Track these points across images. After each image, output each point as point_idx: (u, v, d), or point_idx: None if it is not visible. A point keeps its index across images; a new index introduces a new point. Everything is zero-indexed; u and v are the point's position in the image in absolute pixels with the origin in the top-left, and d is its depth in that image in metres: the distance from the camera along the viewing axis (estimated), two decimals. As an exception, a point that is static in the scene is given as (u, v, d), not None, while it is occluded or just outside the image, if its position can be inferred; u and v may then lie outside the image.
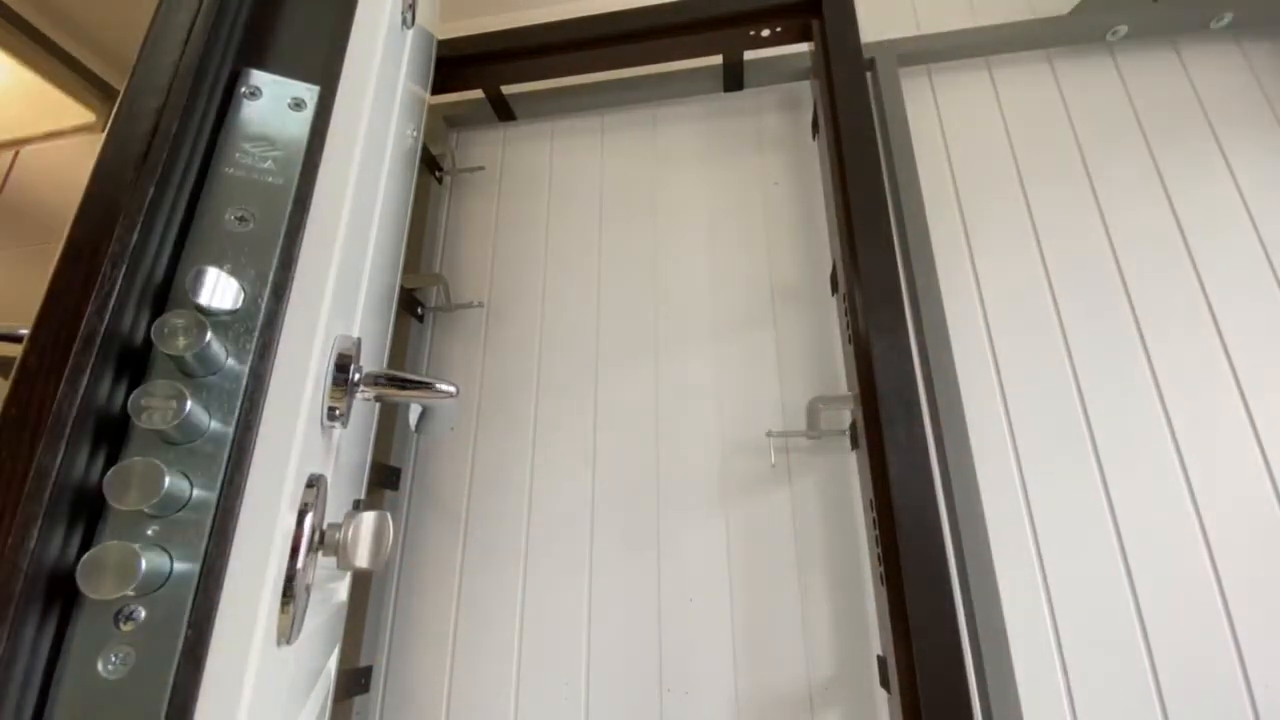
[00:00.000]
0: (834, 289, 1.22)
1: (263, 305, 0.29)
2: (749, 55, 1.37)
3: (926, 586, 0.80)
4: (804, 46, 1.34)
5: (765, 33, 1.27)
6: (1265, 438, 1.01)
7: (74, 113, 2.01)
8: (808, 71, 1.39)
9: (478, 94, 1.44)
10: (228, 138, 0.31)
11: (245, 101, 0.31)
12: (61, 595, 0.23)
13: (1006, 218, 1.23)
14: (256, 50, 0.31)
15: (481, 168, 1.50)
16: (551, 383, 1.28)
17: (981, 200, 1.26)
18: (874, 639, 1.02)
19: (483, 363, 1.33)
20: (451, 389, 0.55)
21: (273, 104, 0.32)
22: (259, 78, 0.32)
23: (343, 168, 0.33)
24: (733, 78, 1.41)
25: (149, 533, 0.25)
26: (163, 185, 0.27)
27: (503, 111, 1.49)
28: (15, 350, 0.29)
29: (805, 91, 1.43)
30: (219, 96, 0.30)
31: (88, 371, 0.23)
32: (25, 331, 0.28)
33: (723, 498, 1.15)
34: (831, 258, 1.22)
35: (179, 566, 0.25)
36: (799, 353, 1.22)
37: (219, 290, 0.27)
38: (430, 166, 1.44)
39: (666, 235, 1.35)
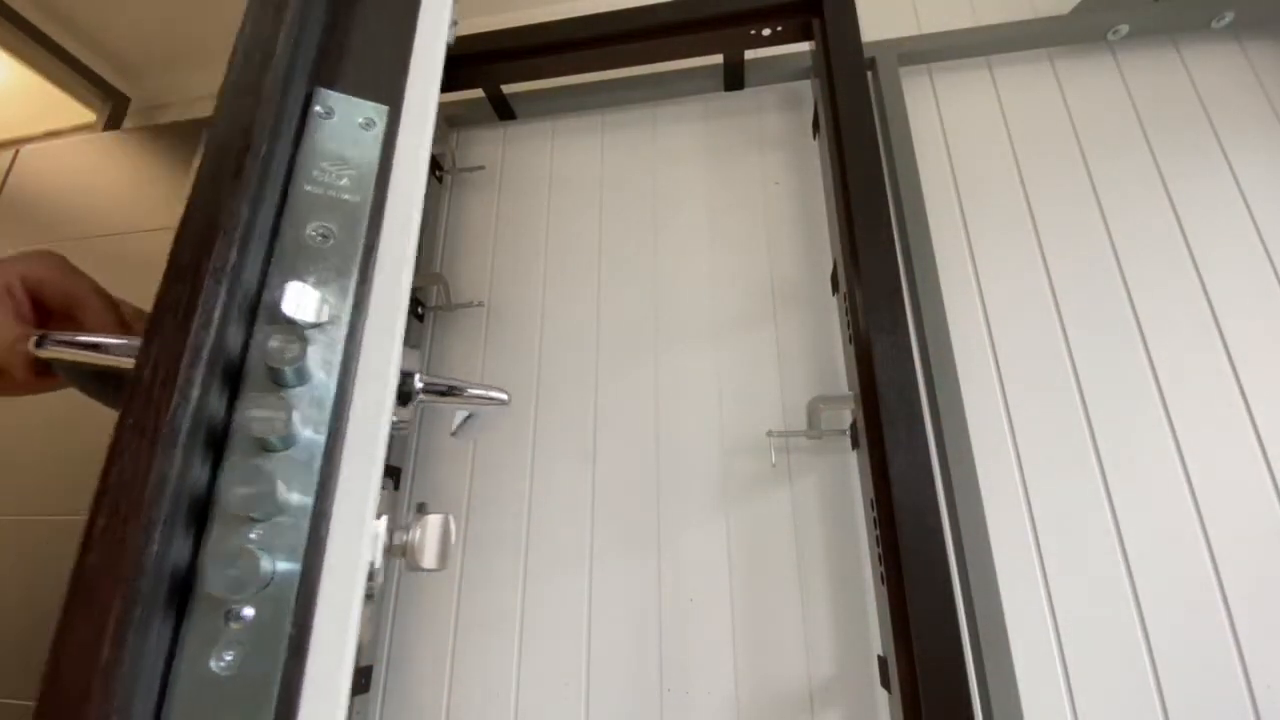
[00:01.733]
0: (834, 288, 1.22)
1: (345, 318, 0.30)
2: (749, 54, 1.37)
3: (927, 586, 0.80)
4: (804, 46, 1.34)
5: (765, 32, 1.27)
6: (1266, 436, 1.01)
7: (74, 112, 2.01)
8: (808, 71, 1.39)
9: (478, 93, 1.44)
10: (306, 156, 0.32)
11: (320, 121, 0.33)
12: (178, 594, 0.24)
13: (1007, 217, 1.23)
14: (328, 71, 0.33)
15: (482, 167, 1.50)
16: (551, 381, 1.28)
17: (982, 200, 1.26)
18: (874, 639, 1.02)
19: (482, 362, 1.32)
20: (504, 396, 0.55)
21: (345, 123, 0.34)
22: (332, 98, 0.33)
23: (409, 184, 0.34)
24: (733, 77, 1.41)
25: (252, 536, 0.27)
26: (255, 203, 0.28)
27: (503, 111, 1.49)
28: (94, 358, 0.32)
29: (806, 91, 1.42)
30: (297, 116, 0.31)
31: (197, 383, 0.25)
32: (118, 341, 0.30)
33: (723, 497, 1.15)
34: (832, 257, 1.22)
35: (281, 567, 0.26)
36: (799, 352, 1.21)
37: (307, 304, 0.28)
38: (431, 166, 1.44)
39: (667, 234, 1.35)
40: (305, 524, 0.27)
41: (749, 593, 1.08)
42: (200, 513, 0.25)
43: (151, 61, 2.07)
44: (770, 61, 1.40)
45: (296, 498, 0.27)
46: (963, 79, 1.36)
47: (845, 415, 1.13)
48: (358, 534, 0.28)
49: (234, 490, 0.25)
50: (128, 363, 0.30)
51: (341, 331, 0.30)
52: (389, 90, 0.35)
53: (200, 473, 0.25)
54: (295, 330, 0.27)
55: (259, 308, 0.28)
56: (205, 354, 0.25)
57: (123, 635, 0.20)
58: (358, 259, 0.31)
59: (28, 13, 1.74)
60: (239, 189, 0.27)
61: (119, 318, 0.42)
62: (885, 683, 0.94)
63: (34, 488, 1.29)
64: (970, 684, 0.77)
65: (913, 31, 1.42)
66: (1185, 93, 1.26)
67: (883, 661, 0.96)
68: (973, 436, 1.07)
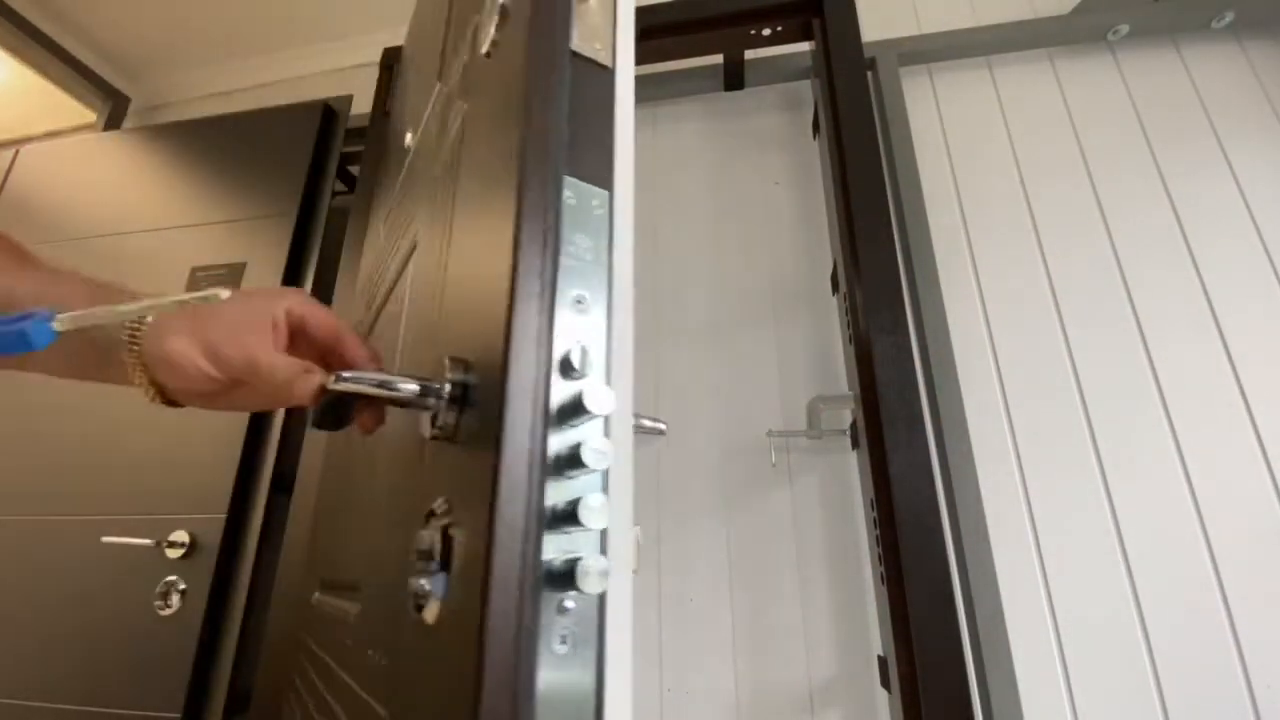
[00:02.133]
0: (834, 289, 1.22)
1: (601, 375, 0.39)
2: (749, 54, 1.37)
3: (927, 586, 0.80)
4: (805, 46, 1.34)
5: (766, 32, 1.26)
6: (1266, 436, 1.01)
7: (74, 112, 2.01)
8: (808, 71, 1.39)
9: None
10: (562, 233, 0.39)
11: (568, 203, 0.40)
12: (546, 584, 0.33)
13: (1007, 217, 1.23)
14: (569, 161, 0.40)
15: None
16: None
17: (982, 199, 1.25)
18: (874, 639, 1.02)
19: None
20: (663, 426, 0.61)
21: (583, 205, 0.41)
22: (572, 184, 0.41)
23: (625, 253, 0.43)
24: (733, 77, 1.41)
25: (578, 540, 0.35)
26: (553, 275, 0.35)
27: (503, 111, 1.49)
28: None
29: (806, 91, 1.42)
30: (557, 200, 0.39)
31: (545, 428, 0.32)
32: (408, 385, 0.37)
33: (723, 497, 1.15)
34: (832, 257, 1.22)
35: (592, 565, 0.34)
36: (799, 353, 1.21)
37: (584, 360, 0.36)
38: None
39: (666, 234, 1.35)
40: (602, 532, 0.35)
41: (749, 593, 1.08)
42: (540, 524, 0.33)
43: (151, 61, 2.07)
44: (770, 61, 1.40)
45: (606, 515, 0.34)
46: (963, 79, 1.36)
47: (845, 415, 1.13)
48: (629, 537, 0.37)
49: (590, 510, 0.33)
50: (410, 390, 0.37)
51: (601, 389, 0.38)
52: (606, 176, 0.43)
53: (555, 495, 0.34)
54: (601, 385, 0.36)
55: (550, 360, 0.36)
56: (545, 400, 0.33)
57: (526, 608, 0.28)
58: (604, 319, 0.39)
59: (28, 13, 1.74)
60: (546, 263, 0.34)
61: (372, 352, 0.46)
62: (885, 683, 0.94)
63: (35, 491, 1.29)
64: (970, 684, 0.77)
65: (913, 31, 1.42)
66: (1185, 93, 1.26)
67: (883, 661, 0.96)
68: (973, 436, 1.07)
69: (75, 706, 1.12)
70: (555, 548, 0.33)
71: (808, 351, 1.21)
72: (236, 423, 1.19)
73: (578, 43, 0.44)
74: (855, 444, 1.10)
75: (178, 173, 1.53)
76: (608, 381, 0.38)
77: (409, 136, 0.88)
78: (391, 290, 0.75)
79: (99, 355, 0.42)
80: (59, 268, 0.45)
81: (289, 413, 1.22)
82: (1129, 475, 1.03)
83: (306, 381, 0.39)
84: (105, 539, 1.18)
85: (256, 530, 1.15)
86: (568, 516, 0.33)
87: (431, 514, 0.38)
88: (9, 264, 0.44)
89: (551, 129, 0.37)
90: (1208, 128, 1.22)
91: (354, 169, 1.56)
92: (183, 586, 1.13)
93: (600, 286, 0.40)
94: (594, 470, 0.34)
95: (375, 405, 0.44)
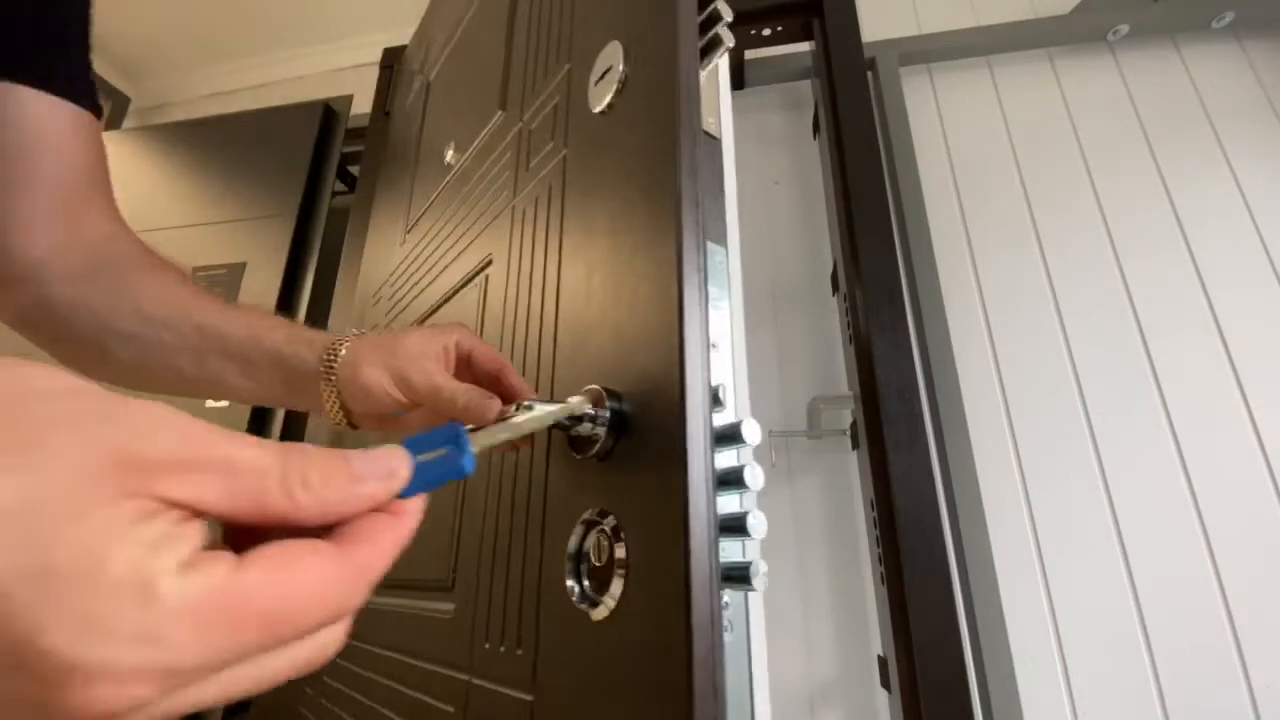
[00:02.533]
0: (834, 289, 1.22)
1: (733, 406, 0.48)
2: (749, 54, 1.37)
3: (927, 586, 0.80)
4: (805, 45, 1.34)
5: (766, 31, 1.26)
6: (1265, 435, 1.01)
7: (74, 112, 2.01)
8: (808, 71, 1.39)
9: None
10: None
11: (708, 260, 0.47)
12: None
13: (1007, 217, 1.23)
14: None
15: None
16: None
17: (982, 199, 1.26)
18: (874, 639, 1.02)
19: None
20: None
21: (712, 262, 0.50)
22: (709, 247, 0.49)
23: (738, 301, 0.52)
24: (733, 77, 1.41)
25: (737, 546, 0.43)
26: (707, 325, 0.42)
27: (503, 111, 1.49)
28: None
29: (806, 91, 1.42)
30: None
31: (713, 452, 0.38)
32: (590, 410, 0.42)
33: (723, 497, 1.14)
34: (832, 257, 1.22)
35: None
36: (799, 353, 1.22)
37: (725, 394, 0.43)
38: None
39: (667, 235, 1.35)
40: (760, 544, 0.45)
41: (749, 593, 1.08)
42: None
43: (151, 61, 2.07)
44: (770, 61, 1.40)
45: (765, 526, 0.41)
46: (963, 79, 1.37)
47: (845, 415, 1.13)
48: (758, 546, 0.46)
49: (757, 522, 0.39)
50: (584, 416, 0.43)
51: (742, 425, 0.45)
52: (726, 235, 0.53)
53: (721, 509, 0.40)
54: (719, 406, 0.42)
55: (710, 397, 0.42)
56: (710, 434, 0.38)
57: (715, 604, 0.34)
58: (730, 358, 0.49)
59: (28, 13, 1.74)
60: (704, 315, 0.41)
61: (527, 385, 0.49)
62: (885, 683, 0.94)
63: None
64: (970, 684, 0.77)
65: (913, 31, 1.42)
66: (1185, 93, 1.26)
67: (883, 661, 0.96)
68: (972, 436, 1.07)
69: (75, 706, 1.12)
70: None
71: (808, 351, 1.21)
72: (238, 418, 1.20)
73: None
74: (855, 444, 1.10)
75: (178, 173, 1.53)
76: (736, 411, 0.48)
77: (449, 153, 0.92)
78: (449, 298, 0.79)
79: (290, 385, 0.48)
80: (203, 290, 0.50)
81: (290, 410, 1.22)
82: (1129, 473, 1.03)
83: (486, 407, 0.42)
84: (105, 539, 1.18)
85: (257, 530, 1.15)
86: (734, 527, 0.40)
87: (593, 523, 0.43)
88: (204, 302, 0.49)
89: (699, 200, 0.43)
90: (1207, 127, 1.22)
91: (354, 169, 1.56)
92: (183, 586, 1.13)
93: (727, 329, 0.50)
94: (751, 489, 0.41)
95: None
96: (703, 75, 0.52)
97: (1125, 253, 1.17)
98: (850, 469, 1.12)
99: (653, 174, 0.45)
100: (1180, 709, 0.91)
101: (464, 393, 0.43)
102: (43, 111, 0.46)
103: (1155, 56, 1.31)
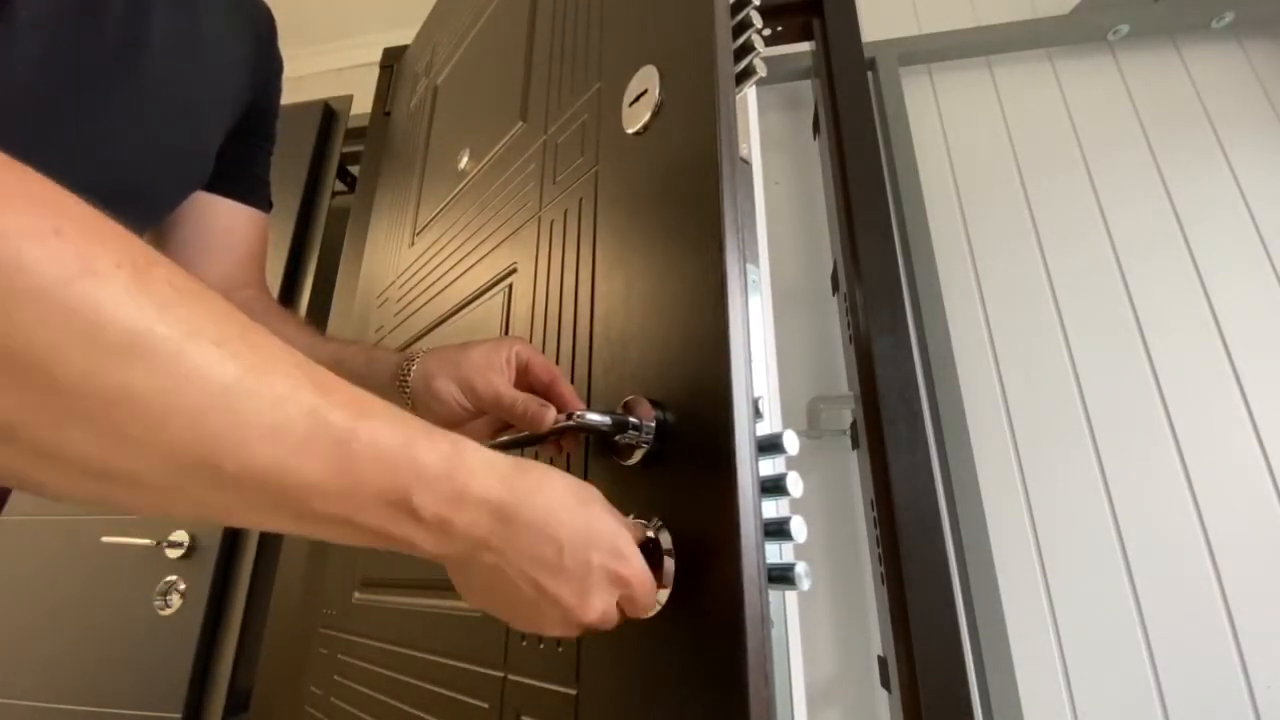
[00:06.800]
0: (834, 289, 1.22)
1: (768, 417, 0.50)
2: (749, 54, 1.36)
3: (927, 586, 0.80)
4: (805, 46, 1.33)
5: (766, 32, 1.26)
6: (1266, 435, 1.01)
7: (74, 112, 2.01)
8: (808, 71, 1.39)
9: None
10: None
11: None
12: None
13: (1007, 217, 1.23)
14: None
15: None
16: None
17: (982, 199, 1.26)
18: (874, 639, 1.02)
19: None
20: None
21: (750, 281, 0.51)
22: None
23: (770, 316, 0.57)
24: (733, 77, 1.41)
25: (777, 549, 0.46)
26: (749, 340, 0.45)
27: (503, 111, 1.49)
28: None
29: (806, 91, 1.42)
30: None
31: (757, 462, 0.42)
32: (638, 421, 0.46)
33: (723, 497, 1.14)
34: (832, 257, 1.22)
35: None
36: (799, 353, 1.22)
37: (764, 406, 0.47)
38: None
39: (667, 235, 1.35)
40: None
41: (749, 593, 1.08)
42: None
43: (151, 61, 2.07)
44: (770, 61, 1.40)
45: (806, 531, 0.46)
46: (963, 79, 1.37)
47: (845, 415, 1.13)
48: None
49: (799, 528, 0.44)
50: (630, 425, 0.45)
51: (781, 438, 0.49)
52: (757, 253, 0.57)
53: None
54: (759, 418, 0.47)
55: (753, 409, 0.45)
56: (754, 445, 0.43)
57: (765, 601, 0.38)
58: (765, 372, 0.51)
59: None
60: (747, 333, 0.44)
61: (576, 393, 0.52)
62: (885, 683, 0.94)
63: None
64: (970, 684, 0.77)
65: (913, 31, 1.42)
66: (1185, 93, 1.26)
67: (883, 661, 0.96)
68: (973, 435, 1.07)
69: (75, 706, 1.12)
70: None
71: (808, 351, 1.21)
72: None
73: None
74: (855, 444, 1.10)
75: (178, 172, 1.53)
76: (771, 422, 0.50)
77: (464, 160, 0.93)
78: (469, 303, 0.81)
79: None
80: (313, 329, 0.62)
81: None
82: (1129, 473, 1.03)
83: (543, 414, 0.46)
84: (105, 539, 1.18)
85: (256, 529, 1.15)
86: (778, 531, 0.44)
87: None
88: (310, 339, 0.58)
89: (740, 224, 0.45)
90: (1207, 127, 1.22)
91: (354, 169, 1.56)
92: (183, 586, 1.13)
93: (761, 344, 0.51)
94: (793, 496, 0.44)
95: (573, 432, 0.50)
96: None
97: (1125, 252, 1.17)
98: (850, 469, 1.12)
99: (695, 197, 0.47)
100: (1180, 709, 0.91)
101: (523, 401, 0.46)
102: (233, 211, 0.65)
103: (1155, 56, 1.31)
